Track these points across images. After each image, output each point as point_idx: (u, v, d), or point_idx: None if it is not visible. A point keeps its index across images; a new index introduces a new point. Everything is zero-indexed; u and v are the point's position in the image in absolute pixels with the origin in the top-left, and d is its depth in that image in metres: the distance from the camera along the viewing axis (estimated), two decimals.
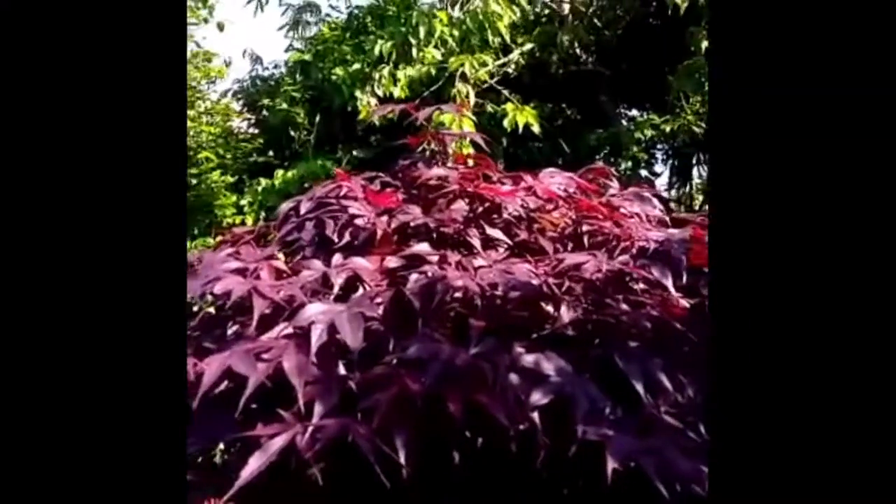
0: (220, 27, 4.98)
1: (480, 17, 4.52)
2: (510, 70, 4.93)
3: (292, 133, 5.01)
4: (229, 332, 1.62)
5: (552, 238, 1.82)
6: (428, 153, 2.21)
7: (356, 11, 5.42)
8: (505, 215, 1.89)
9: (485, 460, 1.39)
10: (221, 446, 1.75)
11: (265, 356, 1.41)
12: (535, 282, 1.48)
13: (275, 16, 7.05)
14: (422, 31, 4.51)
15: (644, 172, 5.20)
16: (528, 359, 1.38)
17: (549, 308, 1.51)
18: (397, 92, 4.48)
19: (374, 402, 1.33)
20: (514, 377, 1.34)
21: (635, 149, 4.99)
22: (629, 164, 5.05)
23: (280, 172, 4.68)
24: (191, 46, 4.67)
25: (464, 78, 4.29)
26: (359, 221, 1.77)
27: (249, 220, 4.44)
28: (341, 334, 1.40)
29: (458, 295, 1.51)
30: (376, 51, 4.57)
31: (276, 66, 5.56)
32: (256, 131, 5.19)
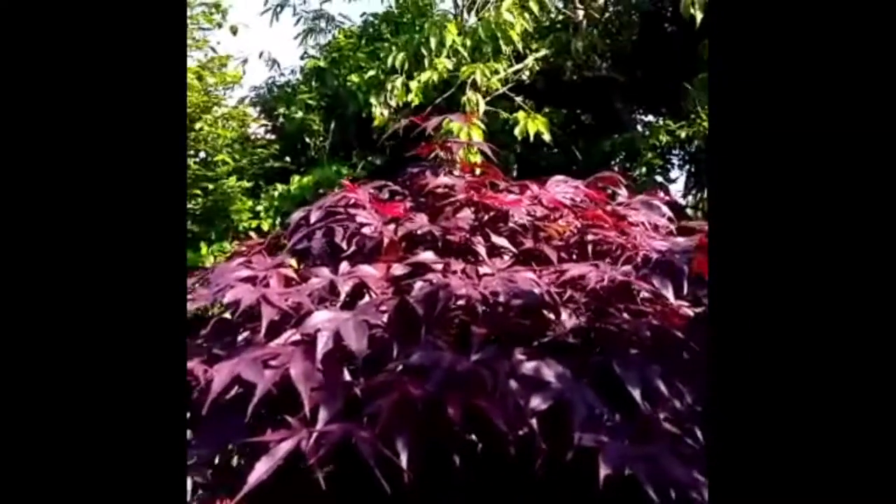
0: (234, 31, 5.03)
1: (493, 25, 4.55)
2: (524, 76, 4.95)
3: (308, 139, 5.07)
4: (240, 338, 1.65)
5: (557, 247, 1.84)
6: (438, 161, 2.24)
7: (371, 19, 5.47)
8: (510, 224, 1.91)
9: (485, 464, 1.41)
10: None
11: (273, 363, 1.44)
12: (536, 290, 1.50)
13: (290, 22, 7.09)
14: (433, 42, 4.54)
15: (659, 178, 5.20)
16: (528, 366, 1.40)
17: (551, 316, 1.53)
18: (411, 98, 4.52)
19: (377, 407, 1.36)
20: (513, 383, 1.37)
21: (650, 155, 5.00)
22: (644, 169, 5.05)
23: (296, 178, 4.74)
24: (205, 51, 4.72)
25: (474, 86, 4.31)
26: (366, 230, 1.80)
27: (265, 225, 4.49)
28: (346, 341, 1.43)
29: (461, 303, 1.53)
30: (389, 62, 4.61)
31: (292, 72, 5.63)
32: (273, 137, 5.25)
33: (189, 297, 1.66)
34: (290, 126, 5.06)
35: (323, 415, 1.36)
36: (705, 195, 5.79)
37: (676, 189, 5.72)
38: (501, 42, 4.57)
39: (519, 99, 4.72)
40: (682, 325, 1.54)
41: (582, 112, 5.52)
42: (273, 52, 5.58)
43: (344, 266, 1.72)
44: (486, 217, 1.93)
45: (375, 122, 4.58)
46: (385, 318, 1.51)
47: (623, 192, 2.27)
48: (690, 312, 1.68)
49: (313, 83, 5.25)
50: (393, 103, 4.54)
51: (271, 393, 1.42)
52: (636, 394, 1.31)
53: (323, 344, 1.44)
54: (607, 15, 5.22)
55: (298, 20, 5.73)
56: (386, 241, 1.78)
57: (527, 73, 4.95)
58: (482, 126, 4.06)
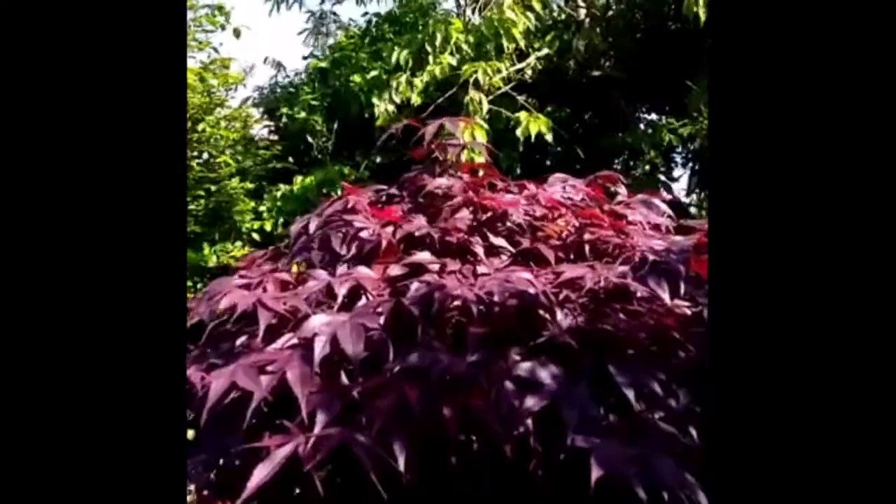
0: (237, 33, 5.04)
1: (496, 23, 4.55)
2: (527, 75, 4.95)
3: (311, 139, 5.08)
4: (238, 342, 1.65)
5: (554, 247, 1.84)
6: (438, 162, 2.24)
7: (374, 19, 5.48)
8: (508, 224, 1.91)
9: (481, 465, 1.41)
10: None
11: (270, 368, 1.45)
12: (532, 290, 1.50)
13: (293, 23, 7.13)
14: (438, 37, 4.54)
15: (662, 177, 5.19)
16: (524, 366, 1.40)
17: (547, 316, 1.53)
18: (413, 97, 4.52)
19: (374, 410, 1.36)
20: (508, 384, 1.37)
21: (652, 153, 4.99)
22: (647, 168, 5.05)
23: (299, 178, 4.75)
24: (208, 53, 4.73)
25: (477, 85, 4.31)
26: (363, 234, 1.81)
27: (268, 226, 4.50)
28: (343, 345, 1.44)
29: (457, 304, 1.53)
30: (393, 58, 4.61)
31: (296, 74, 5.64)
32: (276, 138, 5.26)
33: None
34: (293, 126, 5.08)
35: (320, 419, 1.37)
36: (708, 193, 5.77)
37: (680, 187, 5.72)
38: (504, 40, 4.57)
39: (521, 98, 4.72)
40: (678, 325, 1.54)
41: (585, 111, 5.51)
42: (276, 52, 5.61)
43: (341, 268, 1.73)
44: (483, 217, 1.93)
45: (378, 121, 4.58)
46: (382, 320, 1.52)
47: (623, 190, 2.27)
48: (688, 312, 1.68)
49: (316, 84, 5.27)
50: (398, 99, 4.54)
51: (267, 400, 1.43)
52: (630, 394, 1.31)
53: (320, 348, 1.44)
54: (610, 14, 5.21)
55: (309, 17, 5.77)
56: (384, 243, 1.79)
57: (529, 71, 4.95)
58: (485, 126, 4.06)
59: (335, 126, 5.06)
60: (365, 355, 1.45)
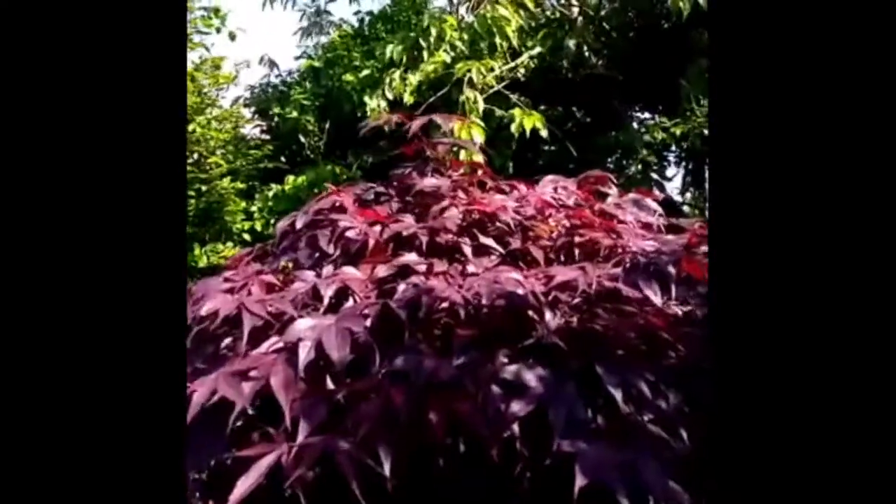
0: (232, 37, 5.02)
1: (489, 21, 4.52)
2: (520, 74, 4.93)
3: (303, 139, 5.05)
4: (223, 344, 1.63)
5: (544, 247, 1.82)
6: (428, 160, 2.22)
7: (367, 18, 5.46)
8: (498, 224, 1.90)
9: (468, 468, 1.39)
10: None
11: (253, 374, 1.42)
12: (521, 291, 1.48)
13: (286, 22, 7.11)
14: (433, 32, 4.52)
15: (655, 176, 5.17)
16: (511, 369, 1.38)
17: (536, 317, 1.51)
18: (406, 96, 4.50)
19: (359, 415, 1.34)
20: (495, 388, 1.35)
21: (645, 152, 4.97)
22: (639, 167, 5.02)
23: (291, 178, 4.72)
24: (200, 53, 4.71)
25: (471, 83, 4.29)
26: (350, 234, 1.79)
27: (259, 226, 4.47)
28: (328, 350, 1.42)
29: (444, 305, 1.51)
30: (387, 54, 4.59)
31: (289, 73, 5.62)
32: (267, 137, 5.23)
33: None
34: (285, 126, 5.05)
35: (304, 427, 1.35)
36: (702, 193, 5.76)
37: (674, 186, 5.71)
38: (497, 38, 4.55)
39: (514, 96, 4.69)
40: (669, 326, 1.52)
41: (578, 109, 5.48)
42: (269, 52, 5.58)
43: (327, 269, 1.70)
44: (473, 217, 1.91)
45: (371, 118, 4.55)
46: (368, 322, 1.49)
47: (613, 190, 2.25)
48: (679, 312, 1.67)
49: (308, 83, 5.24)
50: (390, 96, 4.52)
51: (255, 402, 1.41)
52: (618, 397, 1.29)
53: (305, 354, 1.42)
54: (603, 12, 5.19)
55: (303, 15, 5.74)
56: (371, 242, 1.77)
57: (522, 70, 4.93)
58: (482, 124, 4.04)
59: (327, 126, 5.03)
60: (350, 359, 1.43)
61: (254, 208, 4.58)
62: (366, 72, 4.79)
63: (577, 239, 1.82)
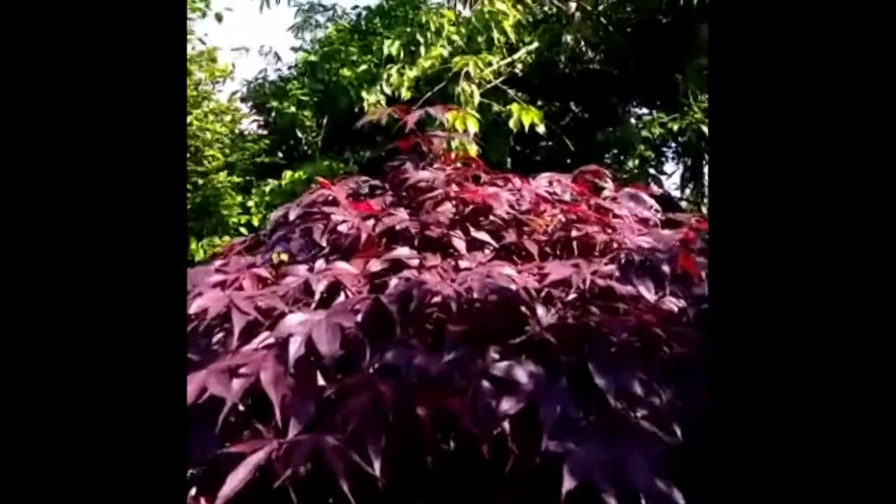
0: (219, 18, 4.96)
1: (486, 16, 4.51)
2: (517, 69, 4.91)
3: (300, 134, 5.04)
4: (214, 339, 1.62)
5: (539, 241, 1.80)
6: (423, 154, 2.20)
7: (364, 13, 5.44)
8: (492, 217, 1.88)
9: (458, 465, 1.38)
10: None
11: (243, 370, 1.41)
12: (513, 286, 1.47)
13: (283, 15, 7.08)
14: (432, 26, 4.51)
15: (653, 171, 5.17)
16: (501, 366, 1.37)
17: (528, 313, 1.50)
18: (404, 91, 4.49)
19: (348, 410, 1.33)
20: (486, 384, 1.33)
21: (643, 147, 4.96)
22: (637, 162, 5.02)
23: (288, 173, 4.71)
24: (193, 44, 4.67)
25: (468, 77, 4.28)
26: (342, 227, 1.77)
27: (256, 221, 4.46)
28: (318, 345, 1.40)
29: (436, 300, 1.50)
30: (385, 49, 4.57)
31: (289, 68, 5.60)
32: (264, 132, 5.22)
33: None
34: (282, 121, 5.03)
35: (294, 423, 1.33)
36: (700, 189, 5.76)
37: (673, 182, 5.70)
38: (495, 32, 4.54)
39: (512, 92, 4.68)
40: (663, 322, 1.51)
41: (576, 105, 5.48)
42: (264, 46, 5.55)
43: (319, 263, 1.69)
44: (466, 211, 1.89)
45: (368, 113, 4.53)
46: (359, 318, 1.48)
47: (609, 184, 2.24)
48: (675, 308, 1.65)
49: (306, 78, 5.22)
50: (388, 91, 4.51)
51: (246, 399, 1.40)
52: (610, 394, 1.28)
53: (295, 349, 1.41)
54: (601, 7, 5.17)
55: (297, 11, 5.71)
56: (363, 236, 1.75)
57: (519, 65, 4.91)
58: (477, 115, 4.02)
59: (325, 121, 5.02)
60: (341, 354, 1.41)
61: (250, 203, 4.57)
62: (363, 67, 4.77)
63: (572, 234, 1.81)
